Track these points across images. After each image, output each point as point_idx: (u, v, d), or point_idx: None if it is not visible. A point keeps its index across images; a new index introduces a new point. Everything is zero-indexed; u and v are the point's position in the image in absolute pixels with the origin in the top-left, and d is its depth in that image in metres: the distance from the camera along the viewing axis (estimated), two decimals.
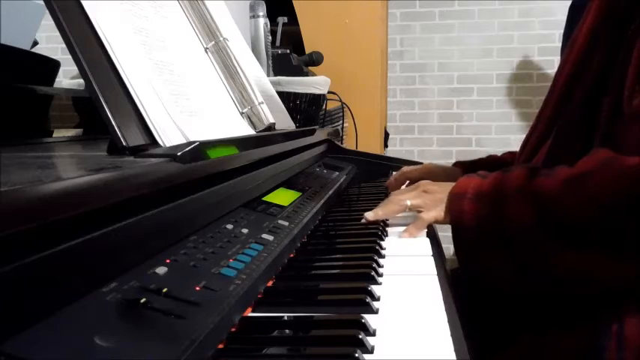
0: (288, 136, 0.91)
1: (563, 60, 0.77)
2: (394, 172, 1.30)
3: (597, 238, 0.59)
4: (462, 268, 0.72)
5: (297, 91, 1.34)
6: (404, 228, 0.79)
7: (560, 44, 2.64)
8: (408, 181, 1.11)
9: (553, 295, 0.67)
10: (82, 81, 0.83)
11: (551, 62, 2.69)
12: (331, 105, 1.68)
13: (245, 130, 0.81)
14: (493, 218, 0.66)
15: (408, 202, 0.79)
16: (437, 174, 1.05)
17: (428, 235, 0.77)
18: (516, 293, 0.70)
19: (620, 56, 0.67)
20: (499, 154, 1.11)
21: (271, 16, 1.49)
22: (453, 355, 0.40)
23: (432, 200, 0.77)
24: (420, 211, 0.78)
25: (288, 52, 1.55)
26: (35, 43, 1.17)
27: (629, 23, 0.67)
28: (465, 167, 1.07)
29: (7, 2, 0.94)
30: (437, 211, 0.75)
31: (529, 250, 0.63)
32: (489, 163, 1.08)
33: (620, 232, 0.58)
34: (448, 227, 0.73)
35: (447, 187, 0.74)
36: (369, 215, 0.82)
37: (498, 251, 0.66)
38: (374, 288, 0.53)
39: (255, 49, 1.38)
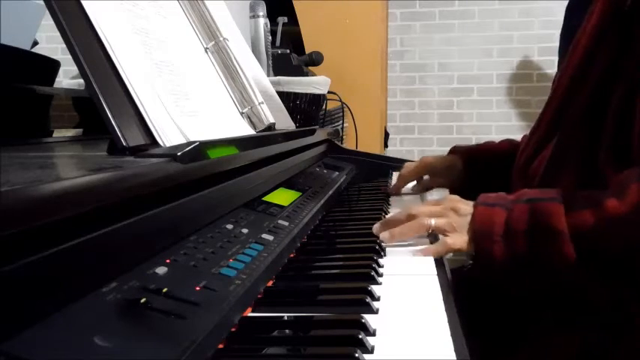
0: (288, 136, 0.91)
1: (565, 62, 0.76)
2: (394, 173, 1.30)
3: None
4: (481, 279, 0.72)
5: (297, 91, 1.33)
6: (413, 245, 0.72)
7: None
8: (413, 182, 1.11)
9: (559, 300, 0.67)
10: (82, 81, 0.83)
11: (551, 62, 2.69)
12: (331, 105, 1.68)
13: (245, 130, 0.81)
14: (529, 259, 0.62)
15: (432, 223, 0.70)
16: (435, 167, 1.06)
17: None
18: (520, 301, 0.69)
19: (626, 58, 0.66)
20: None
21: (271, 16, 1.48)
22: (453, 355, 0.40)
23: (459, 224, 0.69)
24: (444, 235, 0.70)
25: (288, 52, 1.55)
26: (35, 43, 1.17)
27: (635, 24, 0.66)
28: (464, 156, 1.06)
29: (7, 2, 0.94)
30: (462, 240, 0.68)
31: (565, 287, 0.62)
32: (487, 150, 1.07)
33: None
34: None
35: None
36: (385, 236, 0.72)
37: (532, 286, 0.64)
38: (374, 288, 0.53)
39: (255, 49, 1.38)
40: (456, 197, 0.73)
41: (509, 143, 1.05)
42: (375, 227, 0.75)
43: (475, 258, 0.66)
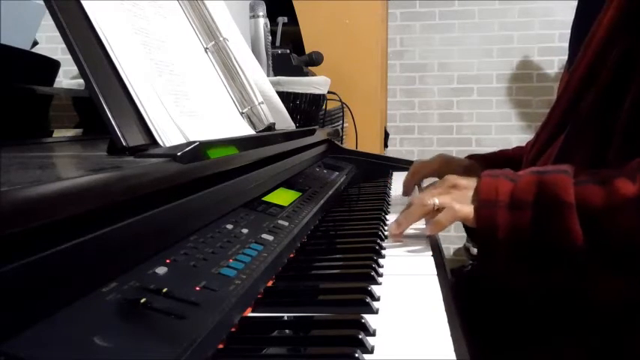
0: (288, 136, 0.91)
1: (577, 58, 0.74)
2: (395, 173, 1.30)
3: None
4: (483, 271, 0.70)
5: (297, 91, 1.34)
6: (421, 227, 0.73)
7: (560, 43, 2.65)
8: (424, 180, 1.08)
9: (561, 301, 0.66)
10: (82, 81, 0.83)
11: (551, 62, 2.69)
12: (331, 105, 1.68)
13: (245, 130, 0.81)
14: (534, 231, 0.60)
15: (437, 201, 0.70)
16: (453, 167, 0.99)
17: (427, 236, 0.77)
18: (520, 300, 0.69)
19: None
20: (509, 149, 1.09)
21: (271, 16, 1.49)
22: (453, 355, 0.40)
23: (463, 197, 0.69)
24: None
25: (288, 52, 1.55)
26: (35, 43, 1.17)
27: None
28: (482, 162, 1.02)
29: (7, 2, 0.94)
30: (470, 208, 0.67)
31: (572, 268, 0.59)
32: (500, 158, 1.05)
33: None
34: (448, 227, 0.72)
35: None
36: (392, 227, 0.74)
37: (536, 266, 0.61)
38: (374, 288, 0.53)
39: (255, 49, 1.38)
40: (455, 176, 0.73)
41: (520, 149, 1.04)
42: (392, 229, 0.74)
43: (478, 231, 0.65)
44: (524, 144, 1.03)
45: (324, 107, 1.55)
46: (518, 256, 0.62)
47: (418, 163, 1.05)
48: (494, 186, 0.65)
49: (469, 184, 0.70)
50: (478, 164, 1.02)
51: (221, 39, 0.83)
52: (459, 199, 0.69)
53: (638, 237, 0.55)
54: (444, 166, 0.99)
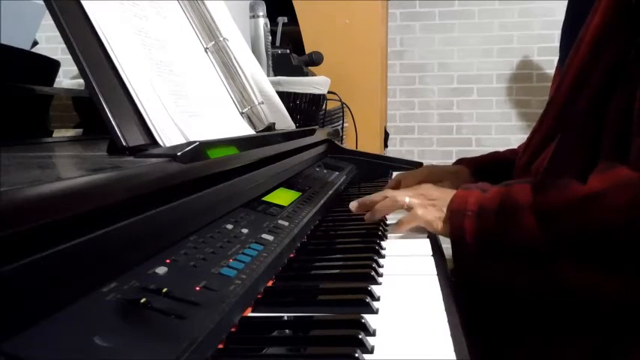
0: (288, 136, 0.91)
1: (568, 59, 0.74)
2: (394, 173, 1.30)
3: (611, 256, 0.59)
4: (461, 278, 0.72)
5: (297, 91, 1.34)
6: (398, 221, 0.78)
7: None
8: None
9: (559, 302, 0.66)
10: (82, 81, 0.83)
11: (551, 62, 2.69)
12: (331, 105, 1.68)
13: (245, 130, 0.81)
14: (497, 234, 0.65)
15: (407, 200, 0.76)
16: (439, 176, 1.01)
17: (428, 235, 0.77)
18: (520, 300, 0.69)
19: (631, 56, 0.65)
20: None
21: (271, 16, 1.49)
22: (453, 355, 0.40)
23: (431, 205, 0.74)
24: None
25: (288, 52, 1.55)
26: (35, 43, 1.17)
27: None
28: (471, 166, 1.04)
29: (7, 2, 0.94)
30: (432, 216, 0.73)
31: (535, 267, 0.63)
32: (492, 160, 1.06)
33: (634, 254, 0.57)
34: None
35: (448, 194, 0.72)
36: (367, 217, 0.80)
37: (500, 266, 0.66)
38: (374, 288, 0.53)
39: (255, 49, 1.38)
40: (430, 185, 0.79)
41: (513, 151, 1.04)
42: (352, 205, 0.83)
43: (450, 237, 0.70)
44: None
45: (324, 107, 1.55)
46: (487, 257, 0.66)
47: (402, 175, 1.06)
48: (465, 197, 0.70)
49: (440, 195, 0.75)
50: (467, 168, 1.02)
51: (221, 39, 0.83)
52: (427, 204, 0.74)
53: (593, 230, 0.59)
54: (428, 178, 0.99)
